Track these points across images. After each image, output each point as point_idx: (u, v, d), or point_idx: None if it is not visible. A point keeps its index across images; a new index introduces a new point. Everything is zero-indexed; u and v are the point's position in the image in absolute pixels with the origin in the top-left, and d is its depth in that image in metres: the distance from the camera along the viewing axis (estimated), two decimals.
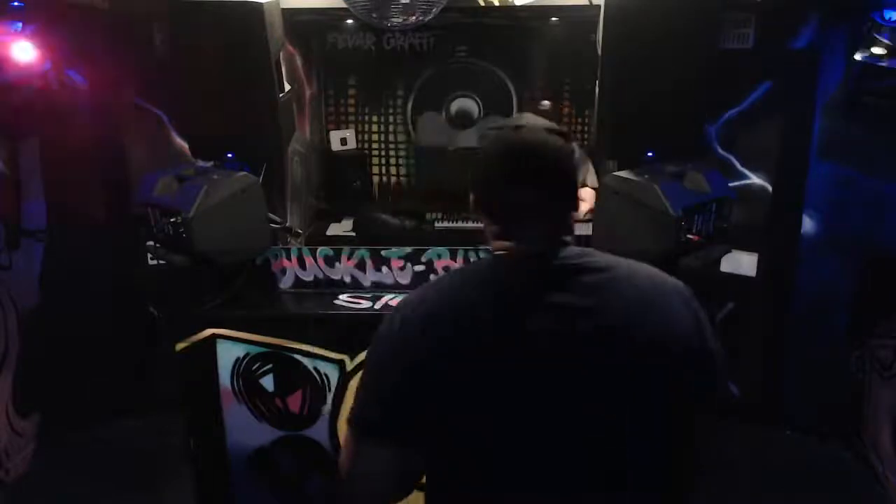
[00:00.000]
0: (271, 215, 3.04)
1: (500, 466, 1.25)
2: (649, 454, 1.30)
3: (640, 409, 1.26)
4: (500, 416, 1.23)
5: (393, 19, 2.89)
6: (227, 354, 2.87)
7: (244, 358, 2.87)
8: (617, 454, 1.26)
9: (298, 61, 4.27)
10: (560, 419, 1.22)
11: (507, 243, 1.32)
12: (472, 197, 1.37)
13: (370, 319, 2.84)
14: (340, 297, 2.97)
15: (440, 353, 1.23)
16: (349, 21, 4.24)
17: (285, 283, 3.08)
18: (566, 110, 4.86)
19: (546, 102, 3.78)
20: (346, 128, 5.03)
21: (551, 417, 1.22)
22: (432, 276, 2.93)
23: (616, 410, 1.24)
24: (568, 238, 1.32)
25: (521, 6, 3.14)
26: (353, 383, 2.87)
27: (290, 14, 3.17)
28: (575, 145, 1.47)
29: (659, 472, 1.34)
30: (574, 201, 1.36)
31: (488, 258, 1.36)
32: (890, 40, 2.95)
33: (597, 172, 3.84)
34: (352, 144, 5.03)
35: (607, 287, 1.25)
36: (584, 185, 3.54)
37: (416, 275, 2.97)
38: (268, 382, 2.89)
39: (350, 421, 1.33)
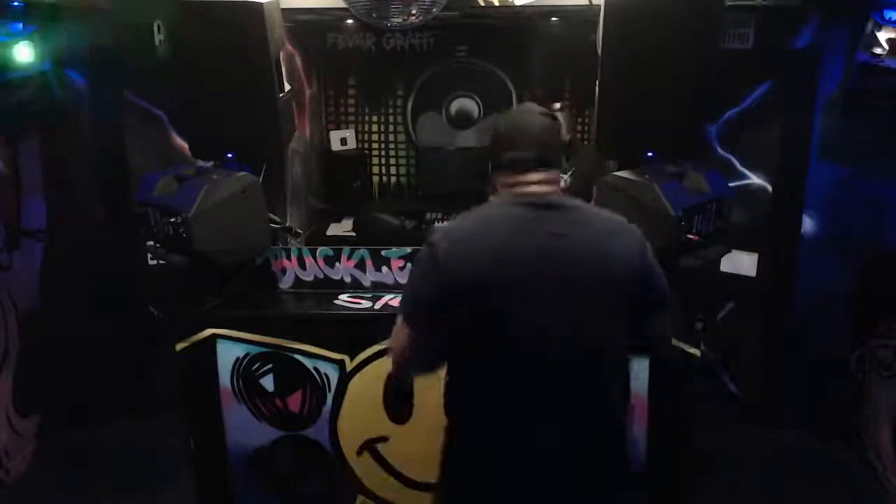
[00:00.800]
0: (271, 215, 3.04)
1: (500, 348, 1.73)
2: (608, 339, 1.79)
3: (602, 309, 1.75)
4: (500, 311, 1.69)
5: (393, 19, 2.89)
6: (227, 354, 2.87)
7: (244, 358, 2.88)
8: (589, 337, 1.75)
9: (298, 61, 4.27)
10: (543, 313, 1.70)
11: (510, 189, 1.80)
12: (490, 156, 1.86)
13: (370, 319, 2.84)
14: (340, 297, 2.98)
15: (458, 269, 1.70)
16: (349, 21, 4.24)
17: (285, 283, 3.08)
18: (566, 110, 4.88)
19: (557, 105, 3.95)
20: (346, 128, 5.03)
21: (537, 311, 1.70)
22: None
23: (585, 308, 1.73)
24: (553, 187, 1.81)
25: (521, 6, 3.14)
26: (354, 383, 2.88)
27: (290, 14, 3.17)
28: (563, 127, 2.02)
29: (617, 357, 1.84)
30: (557, 161, 1.85)
31: (496, 200, 1.83)
32: (890, 40, 2.95)
33: (597, 172, 3.85)
34: (352, 144, 5.04)
35: (579, 222, 1.77)
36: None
37: None
38: (268, 382, 2.89)
39: (400, 311, 1.85)
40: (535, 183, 1.78)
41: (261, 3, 2.79)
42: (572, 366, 1.74)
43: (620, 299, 1.76)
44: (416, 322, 1.80)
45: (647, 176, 2.67)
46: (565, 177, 3.58)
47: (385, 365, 2.83)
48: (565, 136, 3.69)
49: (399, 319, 1.83)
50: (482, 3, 3.14)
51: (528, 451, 1.75)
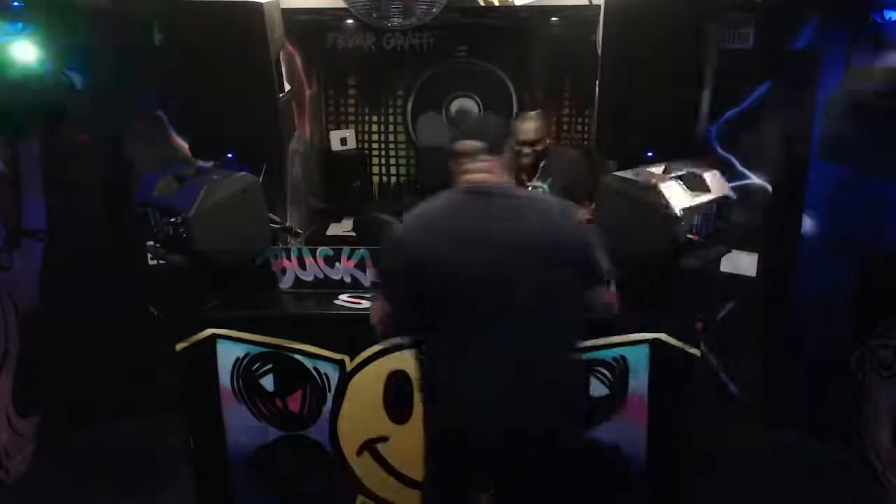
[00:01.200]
0: (271, 215, 3.04)
1: (452, 317, 2.05)
2: (540, 303, 2.04)
3: (544, 284, 2.02)
4: (452, 284, 2.01)
5: (393, 19, 2.89)
6: (227, 354, 2.87)
7: (244, 358, 2.88)
8: (517, 305, 2.02)
9: (298, 61, 4.27)
10: (489, 287, 2.00)
11: (463, 177, 2.12)
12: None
13: (370, 319, 2.84)
14: (340, 297, 2.98)
15: (414, 250, 2.04)
16: (349, 21, 4.23)
17: (285, 283, 3.08)
18: (566, 110, 4.88)
19: (532, 114, 3.74)
20: (346, 128, 5.03)
21: (484, 285, 2.00)
22: None
23: (528, 285, 2.01)
24: (496, 178, 2.11)
25: (521, 6, 3.13)
26: (354, 383, 2.88)
27: (290, 14, 3.17)
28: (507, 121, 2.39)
29: (569, 335, 2.14)
30: (501, 155, 2.14)
31: (449, 190, 2.14)
32: (890, 40, 2.95)
33: (597, 172, 3.84)
34: (352, 144, 5.03)
35: (519, 208, 2.07)
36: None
37: None
38: (268, 382, 2.89)
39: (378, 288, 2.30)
40: (475, 171, 2.12)
41: (261, 3, 2.79)
42: (499, 322, 2.03)
43: (552, 270, 2.03)
44: (385, 293, 2.19)
45: (646, 176, 2.67)
46: (540, 184, 3.56)
47: (385, 365, 2.84)
48: (544, 141, 3.66)
49: (375, 293, 2.28)
50: (482, 3, 3.14)
51: (467, 385, 2.08)
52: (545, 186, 3.49)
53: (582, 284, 2.11)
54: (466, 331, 2.05)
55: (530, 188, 3.55)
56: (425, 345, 2.20)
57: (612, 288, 2.67)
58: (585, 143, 4.81)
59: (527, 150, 3.54)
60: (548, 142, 3.73)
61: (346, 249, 3.05)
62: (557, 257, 2.03)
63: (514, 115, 4.88)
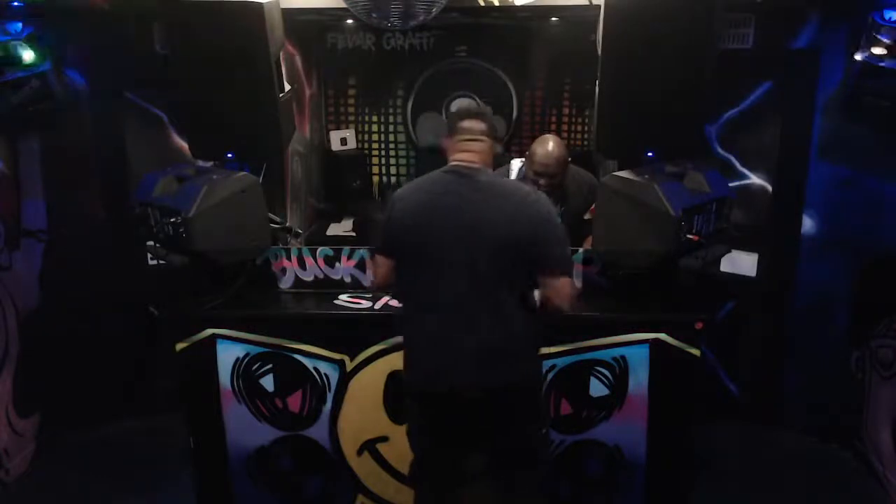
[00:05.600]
0: (271, 215, 3.04)
1: (419, 279, 2.34)
2: (502, 287, 2.29)
3: (493, 259, 2.25)
4: (419, 250, 2.32)
5: (393, 19, 2.89)
6: (227, 354, 2.87)
7: (244, 358, 2.88)
8: (479, 279, 2.27)
9: (298, 61, 4.27)
10: (445, 260, 2.27)
11: (457, 154, 2.39)
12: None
13: (370, 319, 2.84)
14: (340, 297, 2.98)
15: (402, 215, 2.36)
16: (349, 21, 4.24)
17: (285, 283, 3.08)
18: (566, 110, 4.88)
19: (552, 142, 3.32)
20: (346, 128, 5.03)
21: (441, 257, 2.28)
22: None
23: (477, 257, 2.25)
24: (483, 160, 2.39)
25: (521, 6, 3.13)
26: (354, 383, 2.88)
27: (290, 14, 3.17)
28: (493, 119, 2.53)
29: (511, 303, 2.30)
30: (492, 142, 2.43)
31: (437, 170, 2.40)
32: (890, 40, 2.95)
33: (597, 172, 3.84)
34: (352, 144, 5.04)
35: (487, 189, 2.31)
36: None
37: None
38: (268, 382, 2.89)
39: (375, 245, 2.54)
40: (469, 150, 2.37)
41: (261, 4, 2.79)
42: (458, 287, 2.28)
43: (503, 247, 2.25)
44: (381, 251, 2.46)
45: (647, 176, 2.67)
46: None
47: (385, 365, 2.84)
48: (563, 174, 3.29)
49: (375, 252, 2.52)
50: (482, 3, 3.14)
51: (434, 335, 2.33)
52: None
53: (523, 270, 2.30)
54: (426, 290, 2.33)
55: None
56: (399, 298, 2.54)
57: (576, 283, 2.79)
58: (585, 142, 4.82)
59: (542, 181, 3.17)
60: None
61: (346, 249, 3.05)
62: (512, 241, 2.25)
63: (513, 115, 4.89)
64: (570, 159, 3.33)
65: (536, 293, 2.38)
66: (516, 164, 3.51)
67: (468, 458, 2.51)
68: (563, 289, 2.30)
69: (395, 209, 2.38)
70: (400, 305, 2.55)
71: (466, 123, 2.40)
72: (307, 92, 4.50)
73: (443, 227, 2.28)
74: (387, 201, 2.47)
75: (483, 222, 2.26)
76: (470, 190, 2.30)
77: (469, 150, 2.38)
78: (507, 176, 3.41)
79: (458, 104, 4.86)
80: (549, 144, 3.22)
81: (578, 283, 2.99)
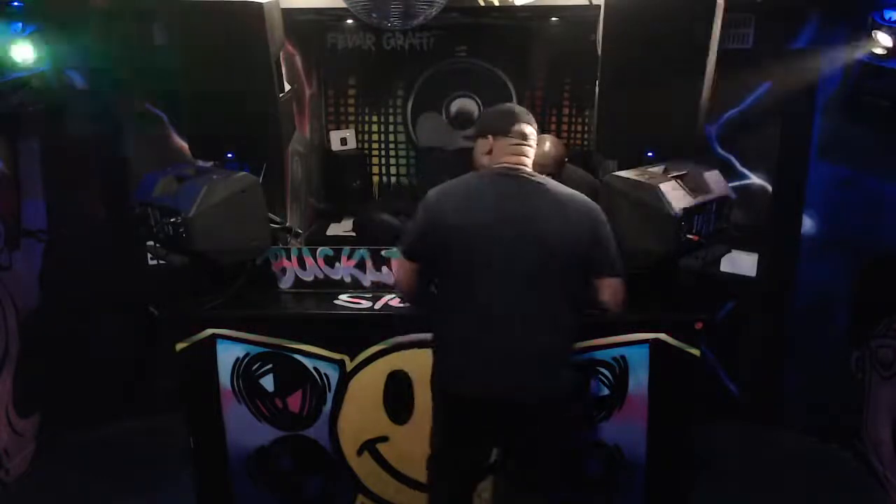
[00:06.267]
0: (271, 215, 3.04)
1: (469, 284, 2.25)
2: (553, 290, 2.25)
3: (551, 265, 2.22)
4: (471, 254, 2.23)
5: (393, 19, 2.89)
6: (227, 354, 2.87)
7: (244, 358, 2.88)
8: (537, 286, 2.23)
9: (298, 61, 4.27)
10: (501, 264, 2.21)
11: (507, 158, 2.32)
12: (476, 137, 2.44)
13: (370, 319, 2.84)
14: (340, 297, 2.98)
15: (442, 217, 2.26)
16: (349, 21, 4.23)
17: (285, 283, 3.08)
18: (566, 110, 4.87)
19: (549, 140, 3.34)
20: (346, 128, 5.03)
21: (497, 262, 2.21)
22: None
23: (537, 263, 2.21)
24: (530, 163, 2.35)
25: (521, 6, 3.13)
26: (354, 383, 2.88)
27: (290, 14, 3.17)
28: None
29: (566, 310, 2.29)
30: (531, 149, 2.37)
31: (476, 173, 2.37)
32: (890, 40, 2.95)
33: (597, 172, 3.84)
34: (352, 144, 5.03)
35: (539, 193, 2.27)
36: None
37: None
38: (268, 382, 2.89)
39: (399, 248, 2.42)
40: (521, 154, 2.32)
41: (261, 4, 2.79)
42: (514, 293, 2.23)
43: (563, 254, 2.22)
44: (410, 255, 2.36)
45: (647, 176, 2.67)
46: None
47: (385, 365, 2.84)
48: (559, 173, 3.27)
49: (400, 255, 2.41)
50: (482, 3, 3.13)
51: (480, 345, 2.26)
52: None
53: (580, 274, 2.27)
54: (468, 291, 2.25)
55: None
56: (436, 302, 2.41)
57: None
58: (585, 143, 4.81)
59: None
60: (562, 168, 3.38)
61: (346, 249, 3.05)
62: (576, 248, 2.23)
63: None
64: (567, 159, 3.34)
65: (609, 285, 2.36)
66: None
67: (491, 460, 2.55)
68: (619, 289, 2.30)
69: (436, 211, 2.27)
70: (438, 309, 2.41)
71: (524, 128, 2.33)
72: (307, 92, 4.50)
73: (502, 231, 2.20)
74: (423, 205, 2.33)
75: (548, 230, 2.21)
76: (532, 195, 2.25)
77: (524, 153, 2.32)
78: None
79: (458, 104, 4.86)
80: (546, 144, 3.23)
81: None
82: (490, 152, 2.36)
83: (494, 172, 2.30)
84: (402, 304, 2.83)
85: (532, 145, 2.36)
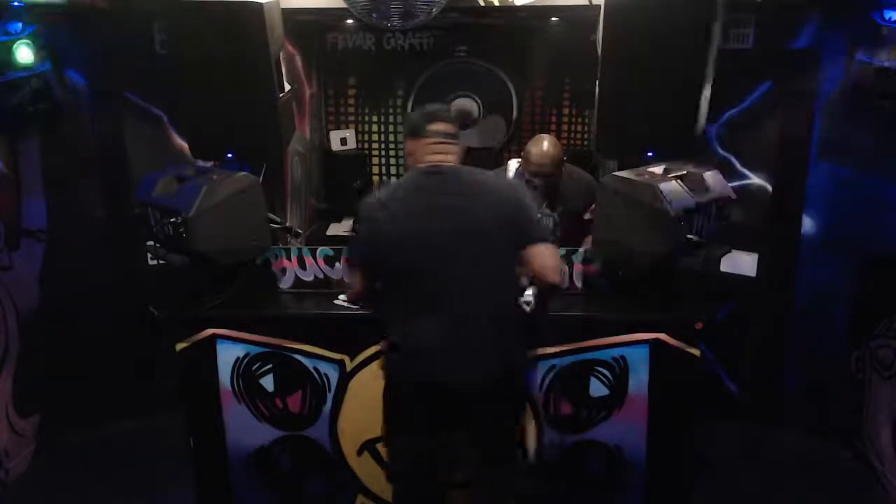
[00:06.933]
0: (271, 215, 3.04)
1: (414, 285, 2.32)
2: (493, 272, 2.33)
3: (488, 247, 2.29)
4: (414, 252, 2.29)
5: (393, 19, 2.89)
6: (227, 354, 2.87)
7: (244, 358, 2.88)
8: (478, 273, 2.30)
9: (298, 61, 4.27)
10: (445, 255, 2.27)
11: (427, 157, 2.38)
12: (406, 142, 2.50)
13: (370, 319, 2.84)
14: (340, 297, 2.98)
15: (377, 228, 2.33)
16: (349, 21, 4.24)
17: (285, 283, 3.08)
18: (566, 110, 4.87)
19: (547, 141, 3.29)
20: (346, 128, 5.03)
21: (441, 253, 2.27)
22: None
23: (475, 248, 2.28)
24: (454, 159, 2.39)
25: (521, 6, 3.13)
26: (354, 383, 2.88)
27: (290, 14, 3.17)
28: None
29: (501, 285, 2.36)
30: (459, 143, 2.43)
31: (413, 170, 2.41)
32: (890, 40, 2.95)
33: (596, 172, 3.84)
34: (352, 144, 5.03)
35: (461, 182, 2.33)
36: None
37: None
38: (268, 382, 2.89)
39: (348, 258, 2.69)
40: (441, 153, 2.37)
41: (261, 4, 2.80)
42: (460, 281, 2.30)
43: (499, 232, 2.29)
44: (360, 266, 2.46)
45: (647, 176, 2.67)
46: (548, 212, 3.10)
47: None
48: (558, 174, 3.29)
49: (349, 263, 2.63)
50: (482, 3, 3.14)
51: (426, 340, 2.32)
52: (555, 216, 3.10)
53: (514, 252, 2.33)
54: (417, 292, 2.33)
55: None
56: (385, 305, 2.45)
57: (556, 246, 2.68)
58: (585, 143, 4.81)
59: (538, 180, 3.16)
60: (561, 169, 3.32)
61: (346, 249, 3.05)
62: (497, 228, 2.29)
63: (513, 115, 4.89)
64: (566, 159, 3.34)
65: (530, 291, 2.44)
66: (513, 164, 3.51)
67: (451, 454, 2.56)
68: (548, 253, 2.33)
69: (378, 216, 2.35)
70: (387, 307, 2.47)
71: (439, 127, 2.41)
72: (307, 92, 4.50)
73: (442, 227, 2.27)
74: (360, 217, 2.44)
75: (480, 214, 2.28)
76: (449, 186, 2.32)
77: (445, 151, 2.39)
78: (505, 176, 3.41)
79: (458, 104, 4.86)
80: (543, 144, 3.22)
81: (579, 283, 2.99)
82: (413, 153, 2.44)
83: (419, 172, 2.38)
84: (352, 305, 2.84)
85: (452, 141, 2.41)
